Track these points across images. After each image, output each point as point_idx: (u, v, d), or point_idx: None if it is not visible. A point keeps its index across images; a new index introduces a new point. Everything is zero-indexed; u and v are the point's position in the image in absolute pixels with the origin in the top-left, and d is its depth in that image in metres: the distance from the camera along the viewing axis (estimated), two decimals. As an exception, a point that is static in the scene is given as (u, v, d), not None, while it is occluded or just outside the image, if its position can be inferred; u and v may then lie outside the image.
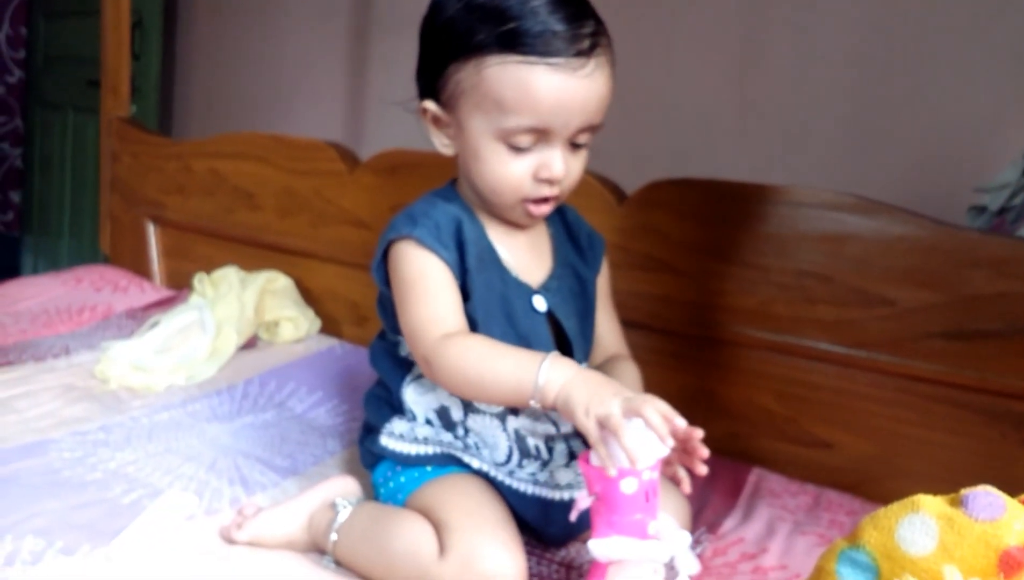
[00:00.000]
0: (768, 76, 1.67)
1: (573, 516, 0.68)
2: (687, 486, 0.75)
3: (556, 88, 0.72)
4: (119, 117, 1.83)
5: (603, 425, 0.66)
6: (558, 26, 0.71)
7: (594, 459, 0.67)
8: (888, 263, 1.04)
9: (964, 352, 1.00)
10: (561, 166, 0.76)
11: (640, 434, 0.65)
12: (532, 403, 0.71)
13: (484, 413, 0.82)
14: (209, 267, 1.51)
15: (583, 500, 0.67)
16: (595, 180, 1.23)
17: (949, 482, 1.01)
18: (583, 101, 0.73)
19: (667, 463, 0.77)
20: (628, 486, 0.65)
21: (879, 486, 1.06)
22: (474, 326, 0.79)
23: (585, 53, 0.72)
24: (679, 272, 1.18)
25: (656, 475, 0.67)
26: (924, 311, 1.02)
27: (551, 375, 0.70)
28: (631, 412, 0.65)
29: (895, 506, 0.53)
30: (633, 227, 1.21)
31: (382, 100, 2.08)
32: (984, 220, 1.16)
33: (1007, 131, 1.40)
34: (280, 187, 1.58)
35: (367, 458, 0.91)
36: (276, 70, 2.50)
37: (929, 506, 0.52)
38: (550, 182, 0.77)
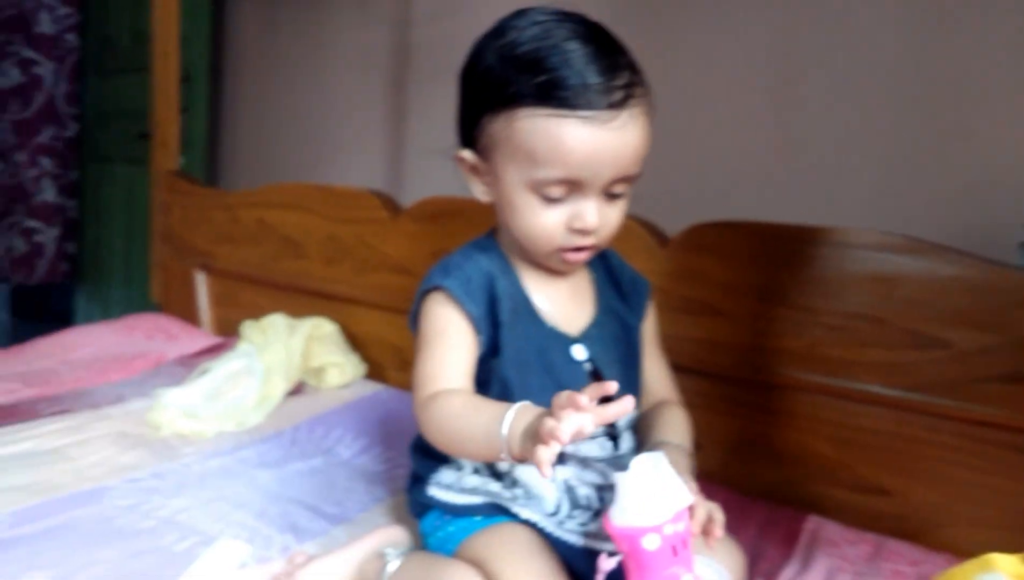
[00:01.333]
0: (806, 115, 1.66)
1: (600, 579, 0.67)
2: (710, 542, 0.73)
3: (586, 141, 0.71)
4: (169, 170, 1.89)
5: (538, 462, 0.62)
6: (592, 78, 0.71)
7: (616, 517, 0.66)
8: (941, 304, 1.02)
9: (1023, 395, 0.97)
10: (594, 217, 0.75)
11: (651, 486, 0.64)
12: (503, 457, 0.68)
13: (531, 465, 0.82)
14: (257, 314, 1.54)
15: (605, 562, 0.67)
16: (637, 224, 1.24)
17: (1013, 530, 0.98)
18: (614, 153, 0.73)
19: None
20: (650, 543, 0.64)
21: (940, 534, 1.02)
22: (506, 382, 0.79)
23: (617, 105, 0.72)
24: (725, 315, 1.17)
25: (682, 527, 0.66)
26: (980, 353, 1.00)
27: (515, 426, 0.67)
28: (545, 435, 0.61)
29: (968, 565, 0.52)
30: (676, 270, 1.21)
31: (421, 149, 2.13)
32: (1037, 258, 1.13)
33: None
34: (325, 235, 1.61)
35: (415, 507, 0.91)
36: (319, 121, 2.56)
37: (1003, 565, 0.50)
38: (583, 232, 0.76)
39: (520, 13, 0.76)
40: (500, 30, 0.76)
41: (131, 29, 2.92)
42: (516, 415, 0.67)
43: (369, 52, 2.41)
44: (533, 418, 0.66)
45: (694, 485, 0.74)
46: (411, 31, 2.32)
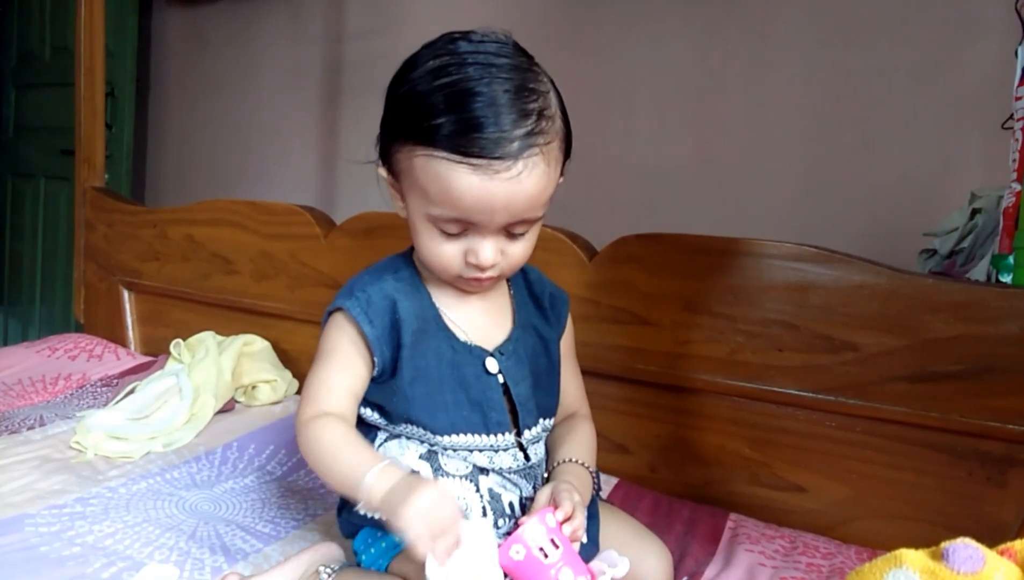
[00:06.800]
0: (725, 133, 1.73)
1: None
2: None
3: (475, 188, 0.70)
4: (93, 187, 1.84)
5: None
6: (489, 127, 0.69)
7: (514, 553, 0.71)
8: (850, 310, 1.08)
9: (927, 394, 1.04)
10: (489, 255, 0.75)
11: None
12: (360, 508, 0.72)
13: (454, 475, 0.83)
14: (186, 333, 1.51)
15: None
16: (565, 237, 1.27)
17: (920, 521, 1.04)
18: (506, 201, 0.71)
19: None
20: (516, 553, 0.70)
21: (852, 527, 1.08)
22: (408, 400, 0.80)
23: (512, 155, 0.69)
24: (649, 324, 1.21)
25: (542, 533, 0.70)
26: (887, 355, 1.06)
27: (378, 484, 0.70)
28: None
29: (879, 561, 0.54)
30: (604, 281, 1.24)
31: (353, 164, 2.13)
32: (935, 262, 1.21)
33: (953, 178, 1.46)
34: (256, 252, 1.60)
35: (347, 527, 0.90)
36: (249, 137, 2.53)
37: (912, 560, 0.52)
38: (479, 268, 0.77)
39: (440, 42, 0.75)
40: (415, 59, 0.75)
41: (53, 43, 2.84)
42: (379, 474, 0.70)
43: (301, 67, 2.40)
44: (395, 482, 0.69)
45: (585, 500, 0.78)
46: (343, 47, 2.32)
